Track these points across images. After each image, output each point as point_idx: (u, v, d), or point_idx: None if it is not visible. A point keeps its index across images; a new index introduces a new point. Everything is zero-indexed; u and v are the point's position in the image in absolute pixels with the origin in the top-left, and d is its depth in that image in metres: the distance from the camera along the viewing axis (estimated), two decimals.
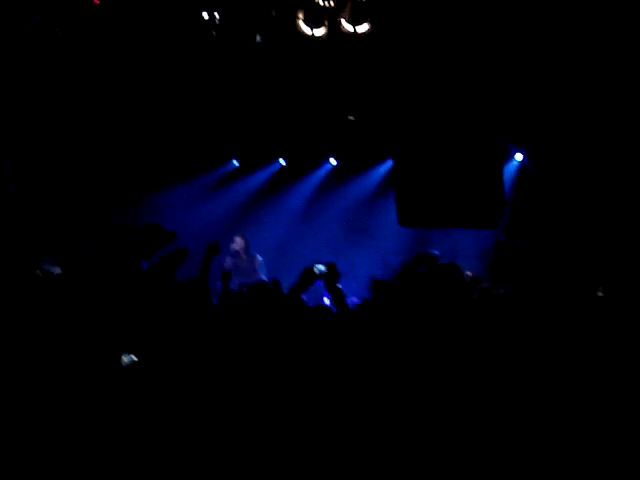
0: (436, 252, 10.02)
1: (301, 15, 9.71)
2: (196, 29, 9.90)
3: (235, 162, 13.55)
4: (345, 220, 12.56)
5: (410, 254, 10.98)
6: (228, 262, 10.99)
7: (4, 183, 11.01)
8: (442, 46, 9.68)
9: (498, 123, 10.39)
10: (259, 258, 11.15)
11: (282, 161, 13.35)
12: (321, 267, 5.04)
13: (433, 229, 11.28)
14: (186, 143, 12.36)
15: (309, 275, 5.03)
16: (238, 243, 11.20)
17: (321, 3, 9.72)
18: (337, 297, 4.94)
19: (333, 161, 13.06)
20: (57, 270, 9.81)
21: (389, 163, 12.30)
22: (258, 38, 10.09)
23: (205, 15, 9.84)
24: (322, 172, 13.14)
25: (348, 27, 9.70)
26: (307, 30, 9.75)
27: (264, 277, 10.86)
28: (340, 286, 5.03)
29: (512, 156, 11.39)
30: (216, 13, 9.86)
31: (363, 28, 9.69)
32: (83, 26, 9.71)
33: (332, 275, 4.98)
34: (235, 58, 10.39)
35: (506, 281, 8.88)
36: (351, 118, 11.72)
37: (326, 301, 10.13)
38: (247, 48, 10.16)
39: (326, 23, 9.70)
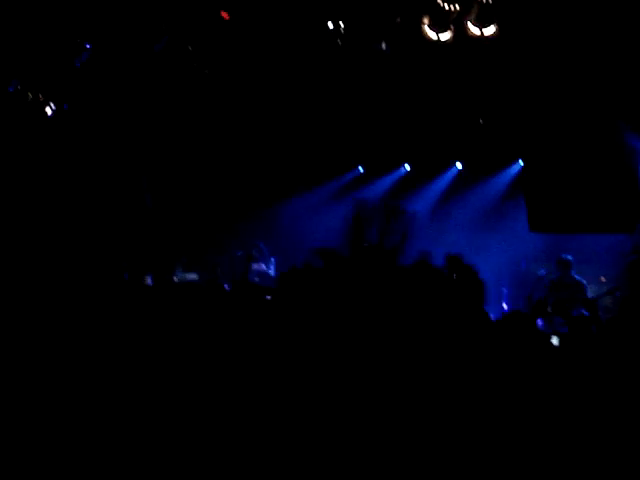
0: (569, 257, 9.78)
1: (426, 20, 9.65)
2: (322, 38, 10.01)
3: (360, 169, 13.60)
4: (473, 224, 12.36)
5: (540, 259, 10.77)
6: None
7: (141, 197, 11.54)
8: (572, 45, 9.38)
9: (634, 125, 9.96)
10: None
11: (407, 166, 13.30)
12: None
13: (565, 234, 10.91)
14: (314, 151, 12.54)
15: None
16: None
17: (446, 7, 9.62)
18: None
19: (459, 165, 12.90)
20: (193, 277, 10.19)
21: (517, 166, 12.02)
22: (383, 45, 10.10)
23: (330, 25, 9.94)
24: (449, 176, 12.99)
25: (474, 30, 9.56)
26: (433, 35, 9.67)
27: None
28: None
29: None
30: (341, 22, 9.95)
31: (490, 30, 9.53)
32: (214, 42, 10.03)
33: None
34: (361, 66, 10.45)
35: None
36: (480, 122, 11.53)
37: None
38: (372, 55, 10.19)
39: (452, 27, 9.59)
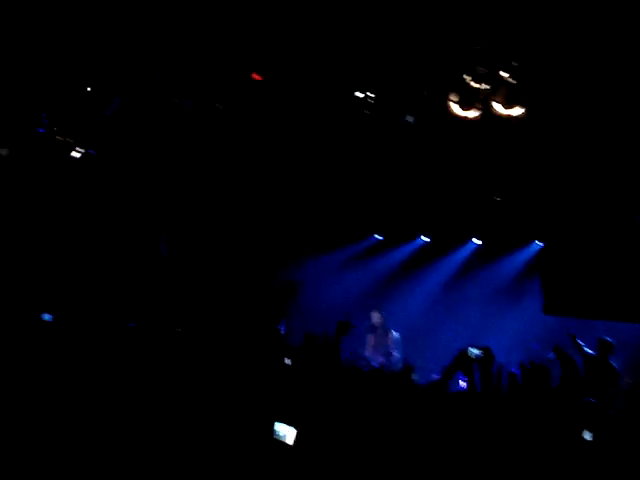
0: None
1: (454, 97, 9.77)
2: (350, 107, 10.16)
3: (377, 236, 13.67)
4: (485, 302, 12.30)
5: (552, 342, 10.65)
6: (368, 338, 11.11)
7: (158, 247, 11.62)
8: (594, 129, 9.46)
9: None
10: (395, 334, 11.12)
11: (424, 237, 13.35)
12: (476, 351, 4.93)
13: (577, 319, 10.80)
14: (334, 216, 12.63)
15: (463, 358, 4.93)
16: (375, 318, 11.24)
17: (475, 85, 9.75)
18: (487, 381, 4.79)
19: (476, 241, 12.92)
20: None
21: (533, 247, 12.02)
22: (410, 118, 10.23)
23: (359, 94, 10.10)
24: (464, 252, 13.00)
25: (501, 110, 9.66)
26: (459, 112, 9.78)
27: (397, 354, 10.82)
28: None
29: None
30: (369, 92, 10.11)
31: (516, 111, 9.63)
32: (244, 102, 10.23)
33: (487, 359, 4.84)
34: (386, 136, 10.58)
35: None
36: (497, 199, 11.58)
37: (462, 384, 9.89)
38: (398, 127, 10.32)
39: (479, 105, 9.70)
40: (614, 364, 9.06)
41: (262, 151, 11.16)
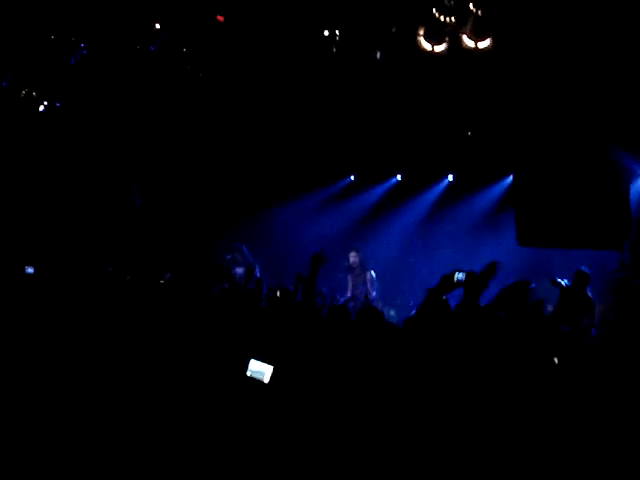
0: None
1: (422, 31, 9.67)
2: (317, 45, 10.03)
3: (352, 177, 13.66)
4: (461, 238, 12.37)
5: (527, 274, 10.77)
6: (348, 278, 11.17)
7: (130, 198, 11.53)
8: (566, 61, 9.41)
9: (625, 141, 9.99)
10: (372, 274, 11.18)
11: (398, 177, 13.34)
12: (460, 275, 4.83)
13: (551, 249, 10.90)
14: (307, 158, 12.57)
15: (448, 282, 4.84)
16: (352, 258, 11.27)
17: (442, 19, 9.64)
18: (472, 305, 4.72)
19: (450, 177, 12.94)
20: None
21: (507, 181, 12.05)
22: (378, 55, 10.12)
23: (326, 32, 9.96)
24: (439, 188, 13.02)
25: (469, 43, 9.58)
26: (427, 46, 9.69)
27: (374, 292, 10.90)
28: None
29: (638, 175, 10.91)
30: (337, 30, 9.97)
31: (484, 44, 9.55)
32: (209, 44, 10.05)
33: (472, 283, 4.76)
34: (355, 74, 10.47)
35: (627, 306, 8.51)
36: (468, 134, 11.56)
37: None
38: (367, 64, 10.22)
39: (447, 39, 9.61)
40: (590, 294, 9.20)
41: (231, 93, 11.02)
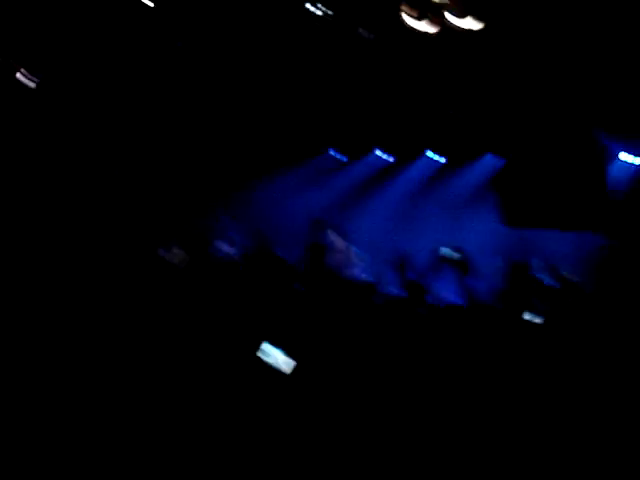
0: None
1: (405, 8, 9.61)
2: (301, 21, 9.95)
3: (333, 153, 13.62)
4: (443, 216, 12.39)
5: (510, 255, 10.85)
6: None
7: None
8: (548, 40, 9.40)
9: (602, 122, 10.04)
10: (355, 250, 11.15)
11: (379, 152, 13.33)
12: (447, 250, 4.84)
13: (533, 230, 10.95)
14: (291, 133, 12.52)
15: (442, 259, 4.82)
16: (332, 236, 11.24)
17: None
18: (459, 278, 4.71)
19: (432, 155, 12.95)
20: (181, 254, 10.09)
21: (489, 159, 12.08)
22: (361, 31, 10.07)
23: (310, 6, 9.88)
24: (421, 167, 13.02)
25: (453, 21, 9.54)
26: (412, 23, 9.64)
27: (359, 269, 10.89)
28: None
29: (617, 156, 10.97)
30: (320, 5, 9.89)
31: (468, 22, 9.52)
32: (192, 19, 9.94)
33: (460, 261, 4.76)
34: (340, 50, 10.40)
35: (608, 286, 8.65)
36: (450, 112, 11.55)
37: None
38: (352, 40, 10.15)
39: (430, 16, 9.56)
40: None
41: (216, 68, 10.90)
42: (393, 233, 12.55)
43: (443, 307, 5.77)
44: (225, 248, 11.17)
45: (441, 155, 12.82)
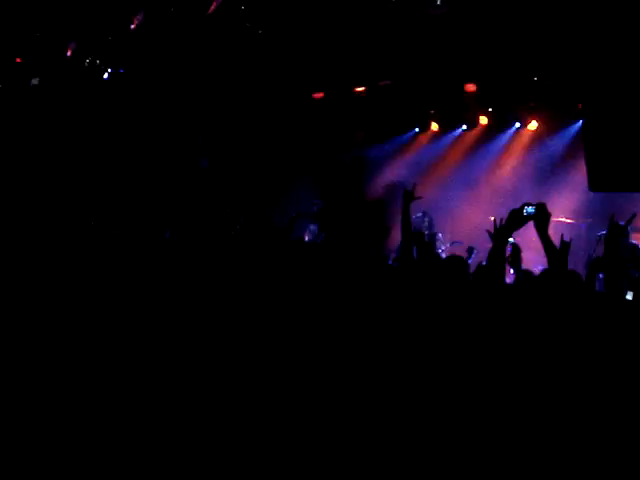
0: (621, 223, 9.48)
1: None
2: None
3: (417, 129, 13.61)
4: (532, 184, 12.12)
5: (598, 220, 10.51)
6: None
7: (196, 159, 11.70)
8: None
9: None
10: (440, 236, 11.15)
11: (464, 126, 13.17)
12: (530, 209, 4.67)
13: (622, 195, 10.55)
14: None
15: (518, 217, 4.68)
16: (421, 219, 11.22)
17: None
18: (546, 241, 4.55)
19: (517, 124, 12.71)
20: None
21: (578, 124, 11.73)
22: (439, 1, 9.86)
23: None
24: (509, 134, 12.80)
25: None
26: None
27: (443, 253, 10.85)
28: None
29: None
30: None
31: None
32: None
33: (542, 217, 4.59)
34: (413, 23, 10.26)
35: None
36: (535, 79, 11.19)
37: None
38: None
39: None
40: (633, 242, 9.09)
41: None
42: (476, 203, 12.39)
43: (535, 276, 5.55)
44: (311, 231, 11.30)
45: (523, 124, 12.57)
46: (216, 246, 6.36)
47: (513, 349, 4.01)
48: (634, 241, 9.18)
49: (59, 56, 10.22)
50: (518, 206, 4.65)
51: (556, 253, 4.43)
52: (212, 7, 9.64)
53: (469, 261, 9.80)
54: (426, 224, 11.14)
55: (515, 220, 4.59)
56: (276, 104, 12.32)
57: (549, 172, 12.02)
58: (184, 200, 10.34)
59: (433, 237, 10.77)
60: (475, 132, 13.00)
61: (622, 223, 4.55)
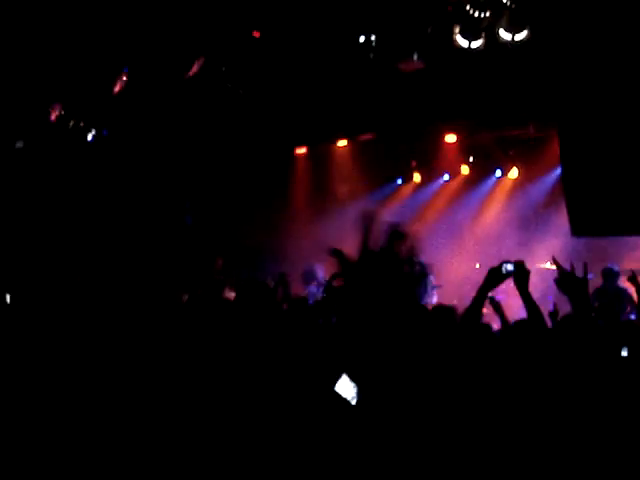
0: (616, 268, 9.60)
1: (457, 29, 9.66)
2: (354, 52, 10.07)
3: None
4: (516, 229, 12.23)
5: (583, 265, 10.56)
6: None
7: (181, 217, 11.78)
8: (601, 47, 9.23)
9: None
10: (432, 280, 11.14)
11: (446, 176, 13.33)
12: (509, 266, 4.72)
13: (607, 238, 10.66)
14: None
15: (496, 275, 4.74)
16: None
17: (477, 15, 9.62)
18: (526, 297, 4.60)
19: (498, 173, 12.88)
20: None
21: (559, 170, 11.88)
22: (415, 57, 10.11)
23: (362, 38, 10.01)
24: (490, 182, 12.97)
25: (506, 36, 9.54)
26: (464, 43, 9.67)
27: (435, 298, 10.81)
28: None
29: None
30: (372, 36, 10.01)
31: (521, 36, 9.49)
32: (247, 61, 10.20)
33: (521, 274, 4.65)
34: (393, 77, 10.46)
35: None
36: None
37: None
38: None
39: (483, 34, 9.59)
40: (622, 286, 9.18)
41: (271, 106, 11.10)
42: (465, 251, 12.45)
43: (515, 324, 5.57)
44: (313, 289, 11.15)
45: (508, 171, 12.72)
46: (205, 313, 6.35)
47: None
48: (623, 285, 9.25)
49: (43, 119, 10.34)
50: (502, 252, 4.75)
51: (536, 309, 4.52)
52: (194, 69, 9.83)
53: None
54: (418, 267, 11.11)
55: (494, 278, 4.68)
56: (260, 161, 12.43)
57: (532, 218, 12.14)
58: (169, 261, 10.37)
59: (424, 277, 10.75)
60: (457, 182, 13.13)
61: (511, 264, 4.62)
